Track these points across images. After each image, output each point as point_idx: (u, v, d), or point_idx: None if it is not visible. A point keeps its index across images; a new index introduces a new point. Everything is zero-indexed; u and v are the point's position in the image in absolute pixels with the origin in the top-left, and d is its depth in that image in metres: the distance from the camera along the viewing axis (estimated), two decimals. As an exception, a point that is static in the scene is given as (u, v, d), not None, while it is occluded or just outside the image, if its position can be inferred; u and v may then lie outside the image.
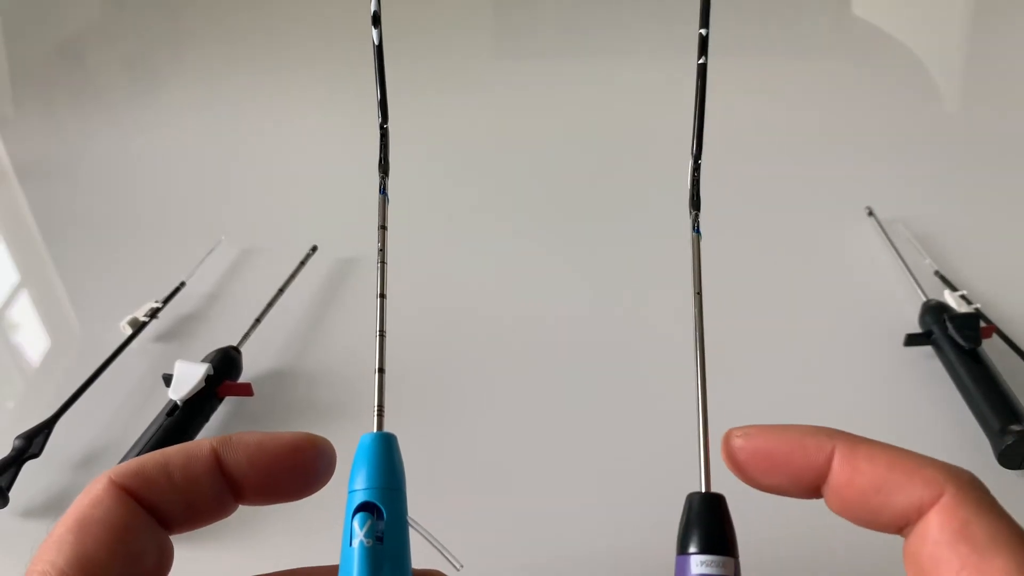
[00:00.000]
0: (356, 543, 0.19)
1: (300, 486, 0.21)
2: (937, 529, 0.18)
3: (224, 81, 0.92)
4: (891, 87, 0.82)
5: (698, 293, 0.22)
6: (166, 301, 0.54)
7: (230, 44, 1.01)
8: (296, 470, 0.21)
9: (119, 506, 0.19)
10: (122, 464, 0.20)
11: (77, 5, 1.08)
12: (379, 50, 0.24)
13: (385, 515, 0.19)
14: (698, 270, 0.23)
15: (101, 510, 0.19)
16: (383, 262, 0.23)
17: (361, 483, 0.20)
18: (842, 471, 0.19)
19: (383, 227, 0.23)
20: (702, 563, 0.19)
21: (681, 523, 0.20)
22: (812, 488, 0.20)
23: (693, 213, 0.24)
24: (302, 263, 0.57)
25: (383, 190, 0.24)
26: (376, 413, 0.21)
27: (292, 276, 0.55)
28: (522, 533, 0.37)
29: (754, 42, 0.92)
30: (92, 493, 0.19)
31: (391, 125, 0.25)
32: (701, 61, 0.24)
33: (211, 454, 0.20)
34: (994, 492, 0.41)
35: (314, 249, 0.58)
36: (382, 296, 0.23)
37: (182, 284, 0.55)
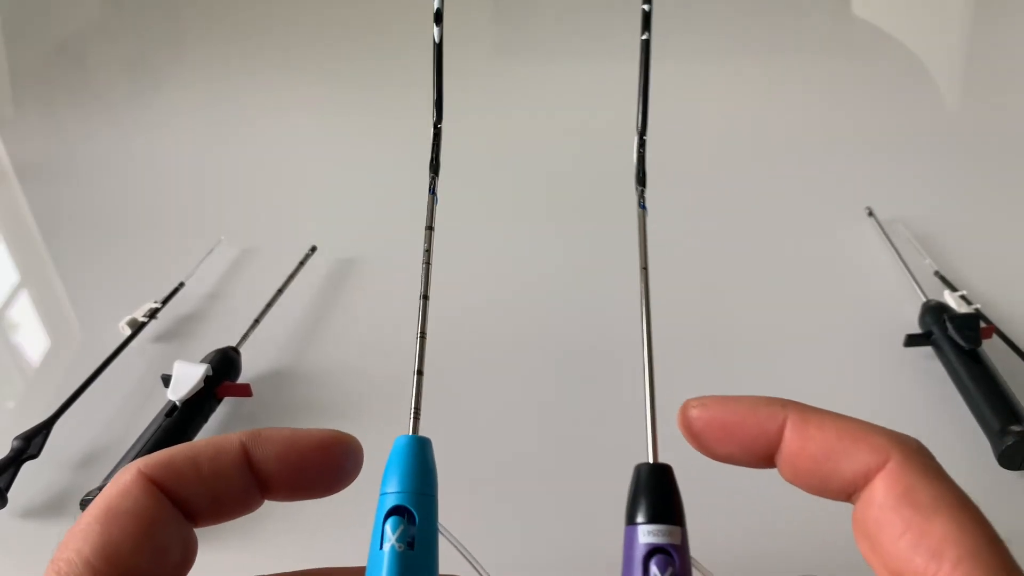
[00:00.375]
0: (387, 547, 0.19)
1: (328, 483, 0.21)
2: (882, 494, 0.18)
3: (224, 81, 0.92)
4: (891, 87, 0.82)
5: (644, 268, 0.23)
6: (165, 301, 0.53)
7: (230, 44, 1.01)
8: (324, 467, 0.21)
9: (147, 497, 0.19)
10: (151, 455, 0.20)
11: (77, 5, 1.08)
12: (439, 48, 0.24)
13: (418, 520, 0.19)
14: (644, 246, 0.23)
15: (129, 501, 0.19)
16: (428, 263, 0.23)
17: (394, 486, 0.19)
18: (794, 439, 0.20)
19: (430, 228, 0.23)
20: (649, 532, 0.19)
21: (629, 494, 0.20)
22: (765, 457, 0.20)
23: (639, 189, 0.24)
24: (301, 263, 0.57)
25: (433, 190, 0.24)
26: (412, 416, 0.21)
27: (291, 276, 0.55)
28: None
29: (754, 42, 0.92)
30: (120, 483, 0.19)
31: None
32: (644, 37, 0.24)
33: (240, 448, 0.20)
34: (993, 492, 0.41)
35: (313, 249, 0.58)
36: (425, 297, 0.22)
37: (181, 284, 0.55)
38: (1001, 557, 0.17)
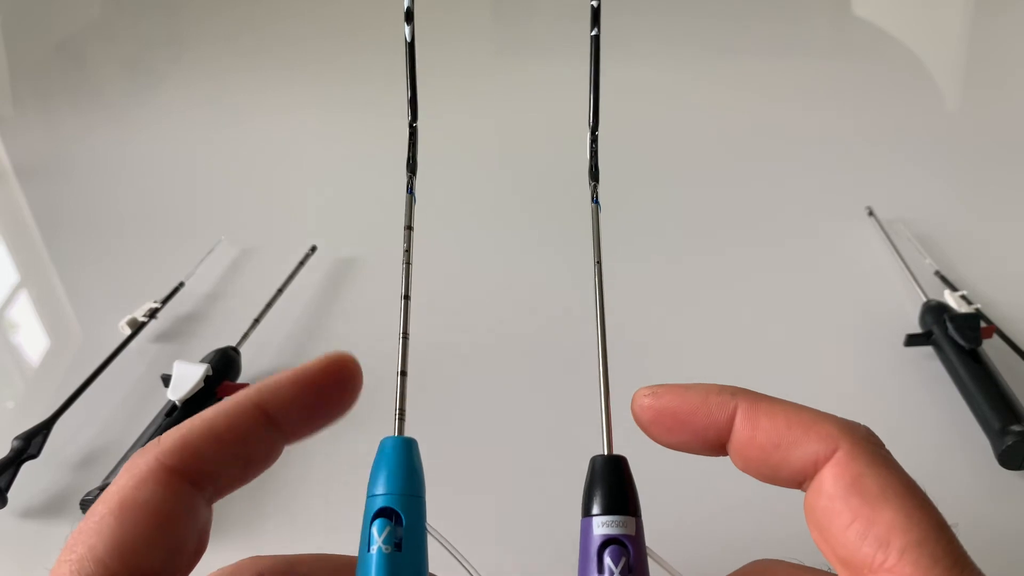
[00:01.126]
0: (374, 549, 0.18)
1: (342, 405, 0.21)
2: (831, 483, 0.18)
3: (223, 81, 0.92)
4: (891, 87, 0.82)
5: (597, 263, 0.23)
6: (165, 301, 0.53)
7: (230, 44, 1.01)
8: (333, 391, 0.21)
9: (163, 489, 0.19)
10: (165, 439, 0.19)
11: (77, 5, 1.08)
12: (411, 47, 0.24)
13: (404, 522, 0.19)
14: (598, 241, 0.23)
15: (145, 492, 0.18)
16: (408, 263, 0.23)
17: (381, 488, 0.19)
18: (743, 429, 0.20)
19: (409, 227, 0.23)
20: (603, 523, 0.19)
21: (585, 486, 0.20)
22: (716, 446, 0.20)
23: (592, 184, 0.24)
24: (301, 263, 0.57)
25: (410, 189, 0.24)
26: (397, 417, 0.21)
27: (291, 276, 0.55)
28: (530, 534, 0.37)
29: (754, 42, 0.92)
30: (136, 473, 0.19)
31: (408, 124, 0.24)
32: (594, 33, 0.24)
33: (254, 409, 0.20)
34: (993, 492, 0.41)
35: (313, 249, 0.58)
36: (406, 298, 0.22)
37: (181, 284, 0.55)
38: (947, 544, 0.17)
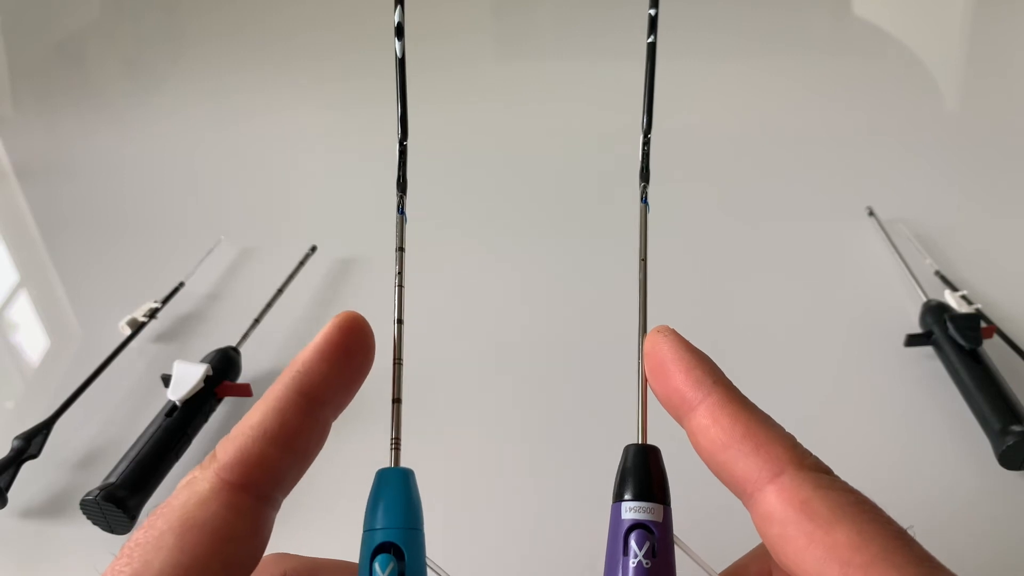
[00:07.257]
0: None
1: (368, 359, 0.21)
2: (780, 509, 0.18)
3: (223, 81, 0.92)
4: (891, 87, 0.82)
5: (643, 260, 0.23)
6: (165, 301, 0.53)
7: (229, 44, 1.01)
8: (358, 349, 0.21)
9: (227, 511, 0.18)
10: (222, 453, 0.19)
11: (77, 5, 1.08)
12: (402, 63, 0.24)
13: (406, 556, 0.19)
14: (644, 239, 0.23)
15: (207, 513, 0.18)
16: (400, 285, 0.22)
17: (380, 522, 0.19)
18: (703, 417, 0.20)
19: (400, 249, 0.23)
20: (631, 509, 0.20)
21: (617, 473, 0.21)
22: (676, 416, 0.21)
23: (642, 185, 0.24)
24: (301, 263, 0.57)
25: (401, 209, 0.23)
26: (392, 447, 0.20)
27: (291, 276, 0.55)
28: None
29: (755, 42, 0.92)
30: (199, 491, 0.18)
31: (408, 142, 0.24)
32: (650, 40, 0.24)
33: (298, 396, 0.20)
34: (994, 492, 0.41)
35: (313, 249, 0.58)
36: (399, 322, 0.22)
37: (181, 284, 0.55)
38: (907, 552, 0.17)
